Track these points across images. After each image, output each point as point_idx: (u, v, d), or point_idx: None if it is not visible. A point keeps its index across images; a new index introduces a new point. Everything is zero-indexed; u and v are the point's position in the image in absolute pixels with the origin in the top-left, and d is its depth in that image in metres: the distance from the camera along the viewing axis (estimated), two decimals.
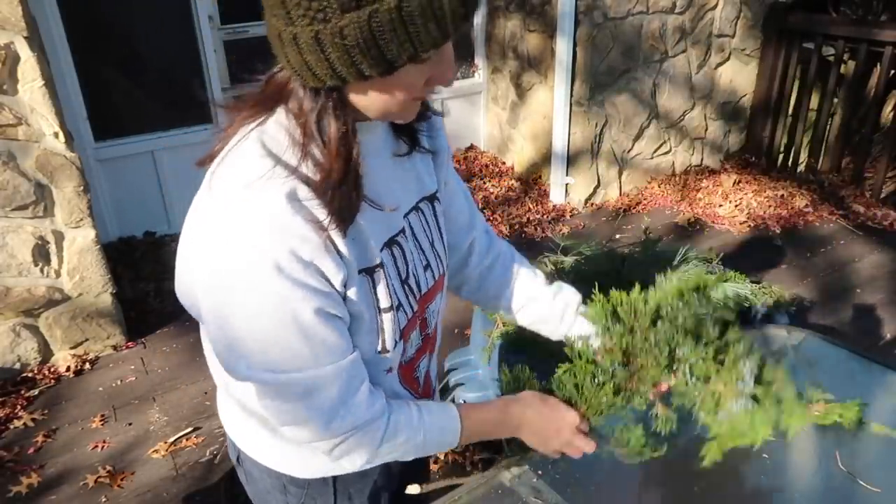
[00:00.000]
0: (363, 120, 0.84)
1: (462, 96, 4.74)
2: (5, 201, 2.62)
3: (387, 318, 0.91)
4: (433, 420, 0.98)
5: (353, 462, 0.94)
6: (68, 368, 2.93)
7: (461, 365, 2.35)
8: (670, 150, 4.59)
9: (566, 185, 4.32)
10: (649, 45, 4.12)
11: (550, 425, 1.05)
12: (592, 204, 4.38)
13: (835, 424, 1.08)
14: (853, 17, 4.51)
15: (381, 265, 0.89)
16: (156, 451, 2.50)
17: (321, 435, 0.89)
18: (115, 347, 3.07)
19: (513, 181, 4.60)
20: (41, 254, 2.77)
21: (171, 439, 2.55)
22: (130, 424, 2.65)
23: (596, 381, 1.05)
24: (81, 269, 2.86)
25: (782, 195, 4.39)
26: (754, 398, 1.02)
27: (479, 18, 4.52)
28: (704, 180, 4.62)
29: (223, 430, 1.15)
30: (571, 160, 4.23)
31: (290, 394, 0.85)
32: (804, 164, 4.69)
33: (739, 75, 4.64)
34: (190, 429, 2.60)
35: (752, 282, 2.73)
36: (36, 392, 2.81)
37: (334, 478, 1.07)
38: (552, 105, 4.14)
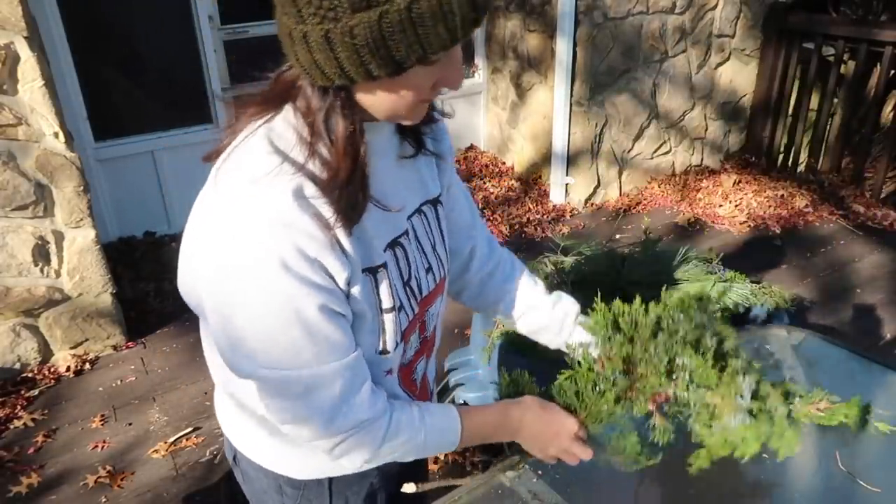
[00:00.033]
0: (370, 120, 0.84)
1: (462, 96, 4.74)
2: (5, 201, 2.62)
3: (388, 319, 0.91)
4: (434, 421, 0.98)
5: (354, 461, 0.94)
6: (68, 368, 2.93)
7: (461, 365, 2.35)
8: (670, 151, 4.59)
9: (566, 185, 4.32)
10: (649, 45, 4.12)
11: (549, 430, 1.05)
12: (592, 204, 4.38)
13: (840, 425, 1.08)
14: (853, 17, 4.51)
15: (385, 265, 0.89)
16: (156, 451, 2.50)
17: (322, 433, 0.89)
18: (115, 347, 3.07)
19: (513, 181, 4.60)
20: (41, 254, 2.77)
21: (171, 439, 2.55)
22: (130, 424, 2.65)
23: (597, 389, 1.05)
24: (81, 269, 2.86)
25: (782, 195, 4.39)
26: (751, 413, 1.02)
27: None
28: (704, 180, 4.62)
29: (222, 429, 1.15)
30: (571, 160, 4.23)
31: (292, 391, 0.85)
32: (804, 164, 4.69)
33: (739, 75, 4.64)
34: (190, 429, 2.60)
35: (752, 282, 2.72)
36: (36, 392, 2.81)
37: (330, 480, 1.07)
38: (552, 105, 4.14)
